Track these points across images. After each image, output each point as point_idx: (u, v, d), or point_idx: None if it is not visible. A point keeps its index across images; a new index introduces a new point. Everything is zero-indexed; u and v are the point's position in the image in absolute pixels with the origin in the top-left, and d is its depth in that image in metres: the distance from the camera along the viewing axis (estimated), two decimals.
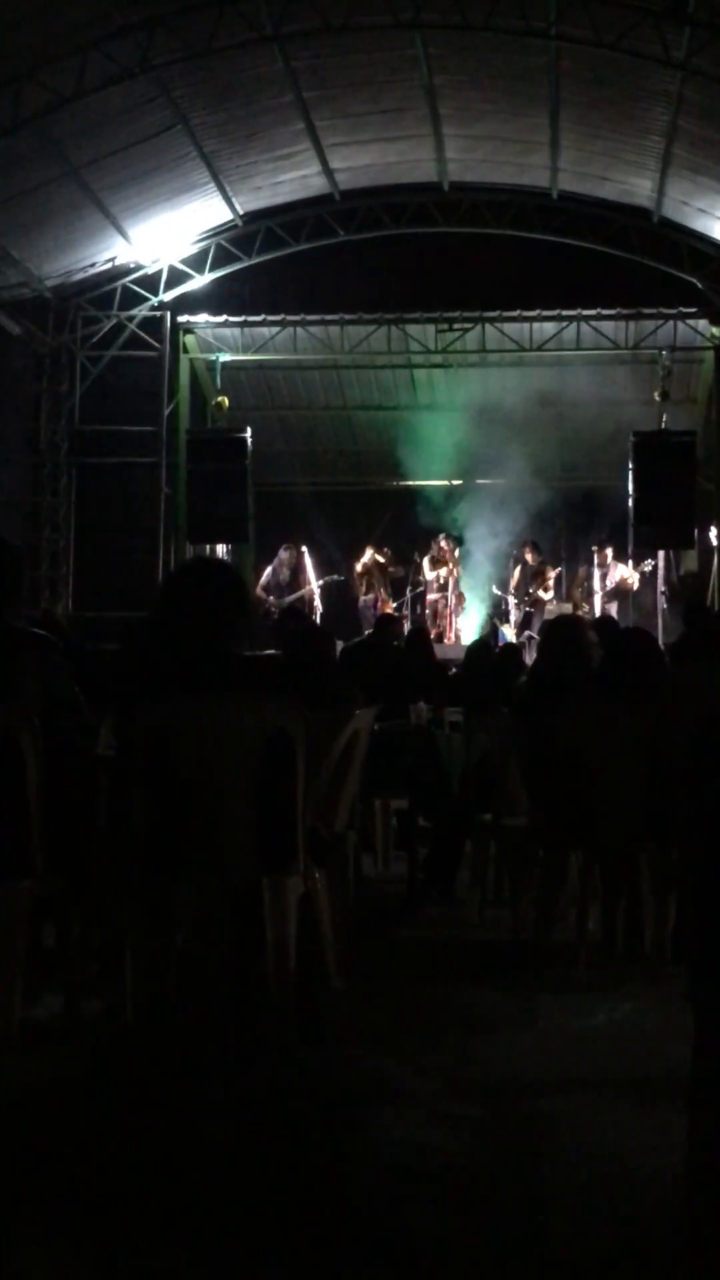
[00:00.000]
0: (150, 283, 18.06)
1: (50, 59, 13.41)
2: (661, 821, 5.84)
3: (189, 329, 18.47)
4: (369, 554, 18.57)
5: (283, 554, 18.04)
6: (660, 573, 17.93)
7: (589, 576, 18.19)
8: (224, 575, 5.17)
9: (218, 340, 18.97)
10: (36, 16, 12.78)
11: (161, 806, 4.62)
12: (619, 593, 17.97)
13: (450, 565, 18.29)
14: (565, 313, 17.86)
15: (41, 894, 4.63)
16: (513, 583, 18.41)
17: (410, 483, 19.75)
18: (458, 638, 17.73)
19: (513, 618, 18.21)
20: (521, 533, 18.72)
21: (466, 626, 18.35)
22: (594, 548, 18.26)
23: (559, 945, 6.25)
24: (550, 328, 18.07)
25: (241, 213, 17.64)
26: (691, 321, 17.81)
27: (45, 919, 4.87)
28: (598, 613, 17.30)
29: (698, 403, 19.04)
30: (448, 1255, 3.31)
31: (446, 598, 18.28)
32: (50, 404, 18.31)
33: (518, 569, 18.45)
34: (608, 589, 17.96)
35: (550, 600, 18.09)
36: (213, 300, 18.14)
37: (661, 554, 17.89)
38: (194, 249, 17.96)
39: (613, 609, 17.57)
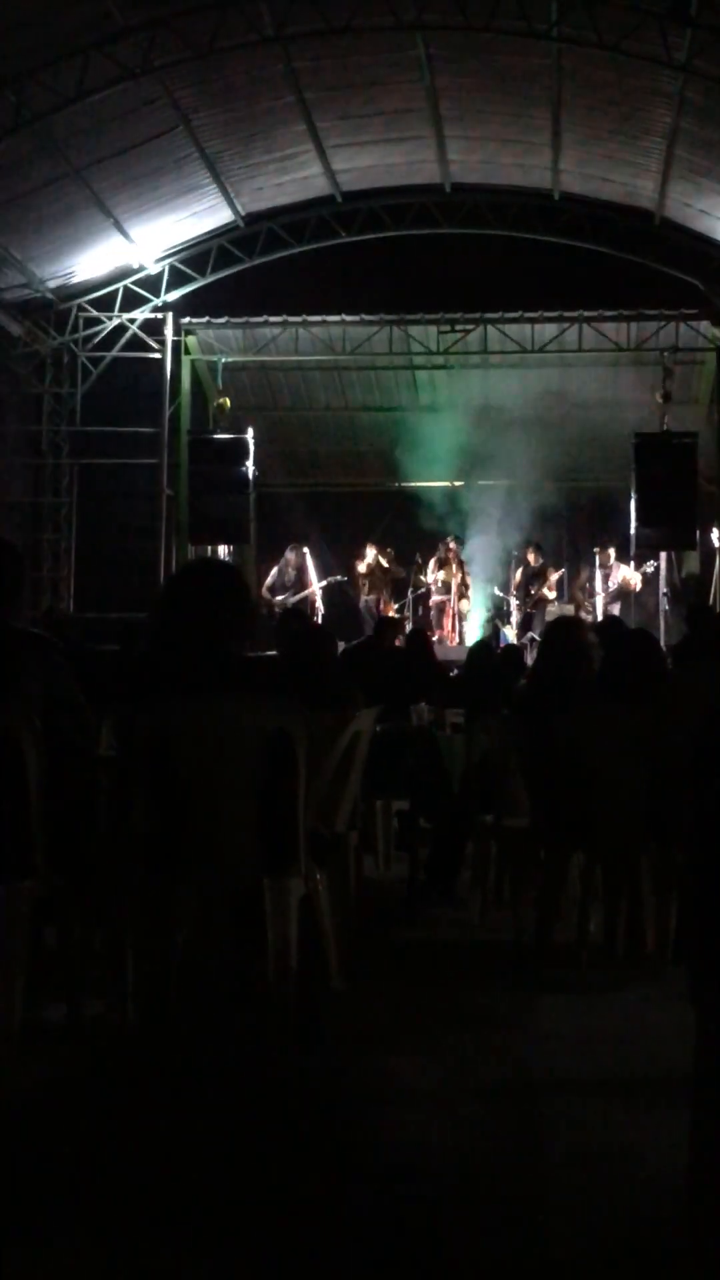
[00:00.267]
0: (152, 284, 18.07)
1: (52, 60, 13.44)
2: (663, 823, 5.84)
3: (190, 330, 18.49)
4: (371, 555, 18.58)
5: (289, 554, 18.09)
6: (662, 574, 17.93)
7: (591, 578, 18.19)
8: (225, 576, 5.16)
9: (219, 341, 19.00)
10: (38, 18, 12.80)
11: (162, 807, 4.62)
12: (621, 594, 17.98)
13: (454, 567, 18.29)
14: (567, 314, 17.89)
15: (43, 894, 4.63)
16: (514, 584, 18.41)
17: (412, 484, 19.72)
18: (461, 639, 17.73)
19: (514, 619, 18.20)
20: (523, 534, 18.72)
21: (469, 628, 18.33)
22: (596, 549, 18.27)
23: (560, 946, 6.24)
24: (552, 329, 18.09)
25: (243, 214, 17.66)
26: (693, 323, 17.82)
27: (46, 919, 4.86)
28: (599, 613, 17.31)
29: (699, 404, 19.03)
30: (448, 1255, 3.31)
31: (450, 599, 18.27)
32: (52, 405, 18.35)
33: (519, 570, 18.46)
34: (610, 590, 17.96)
35: (553, 601, 18.11)
36: (214, 301, 18.13)
37: (663, 555, 17.90)
38: (196, 250, 17.97)
39: (615, 610, 17.56)
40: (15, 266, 16.52)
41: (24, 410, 18.28)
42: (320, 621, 16.92)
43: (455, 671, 11.87)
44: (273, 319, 18.23)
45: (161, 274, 18.02)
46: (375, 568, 18.57)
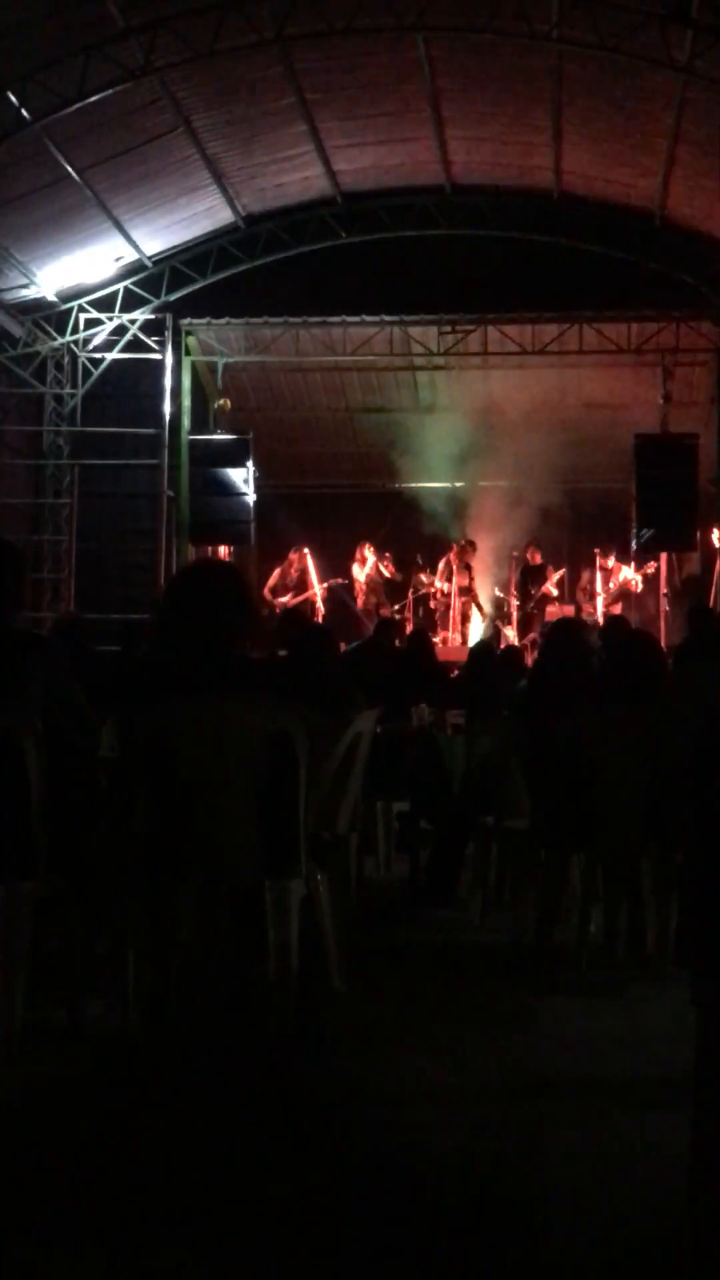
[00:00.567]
0: (152, 284, 18.06)
1: (53, 61, 13.41)
2: (664, 824, 5.84)
3: (191, 331, 18.47)
4: (369, 558, 18.59)
5: (292, 556, 18.15)
6: (663, 575, 17.93)
7: (592, 579, 18.20)
8: (226, 577, 5.17)
9: (220, 342, 18.97)
10: (39, 19, 12.80)
11: (163, 808, 4.63)
12: (622, 595, 18.00)
13: (458, 569, 18.32)
14: (567, 315, 17.83)
15: (44, 895, 4.64)
16: (514, 585, 18.43)
17: (412, 484, 19.72)
18: (463, 640, 17.73)
19: (515, 619, 18.21)
20: (523, 535, 18.73)
21: (472, 630, 18.33)
22: (596, 550, 18.27)
23: (560, 947, 6.25)
24: (552, 330, 18.05)
25: (244, 214, 17.67)
26: (694, 323, 17.77)
27: (47, 920, 4.87)
28: (600, 615, 17.33)
29: (700, 405, 19.02)
30: (448, 1255, 3.31)
31: (453, 601, 18.30)
32: (52, 406, 18.33)
33: (520, 571, 18.48)
34: (610, 591, 17.98)
35: (554, 601, 18.13)
36: (215, 302, 18.12)
37: (664, 556, 17.90)
38: (196, 251, 17.97)
39: (616, 611, 17.58)
40: (16, 267, 16.51)
41: (24, 411, 18.28)
42: (321, 622, 16.94)
43: (455, 672, 11.88)
44: (273, 320, 18.20)
45: (162, 275, 18.01)
46: (373, 571, 18.59)
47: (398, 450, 19.44)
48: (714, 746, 3.34)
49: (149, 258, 17.81)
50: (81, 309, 18.07)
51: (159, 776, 4.62)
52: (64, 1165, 3.77)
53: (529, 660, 12.77)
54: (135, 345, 18.18)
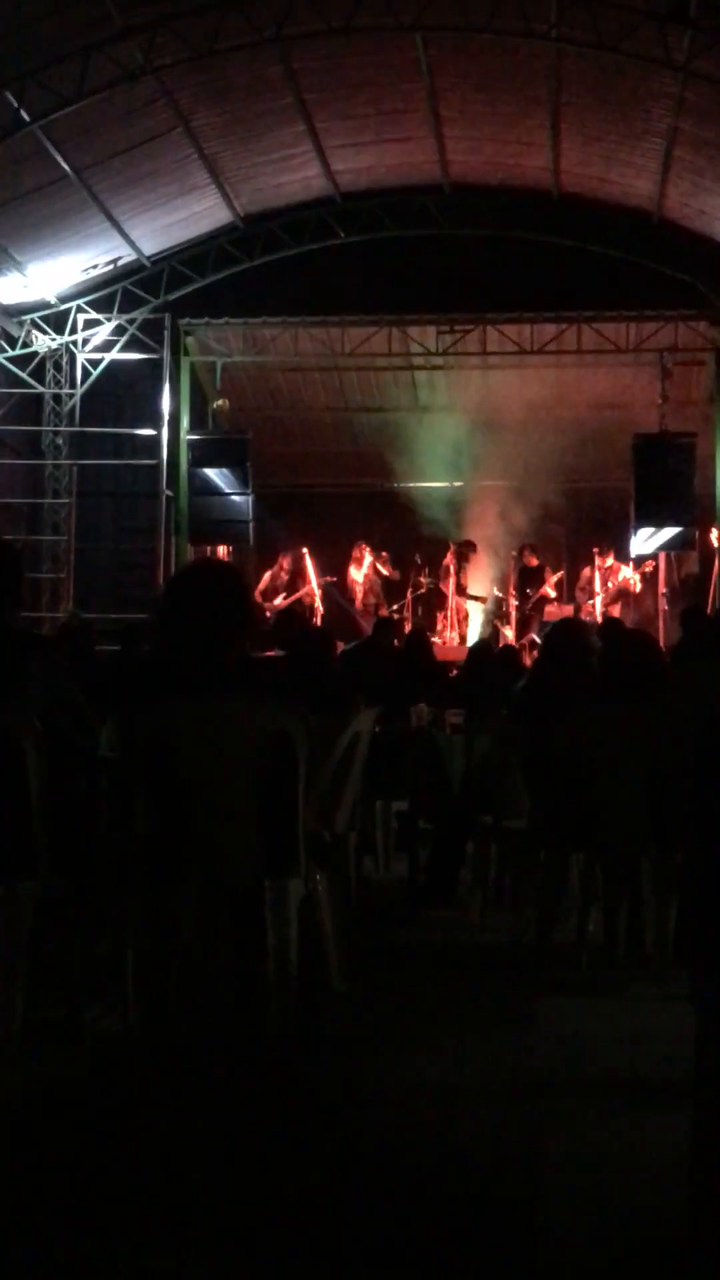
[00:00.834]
0: (151, 284, 18.05)
1: (52, 61, 13.40)
2: (663, 824, 5.84)
3: (189, 331, 18.44)
4: (366, 557, 18.61)
5: (282, 558, 18.17)
6: (661, 574, 17.93)
7: (590, 579, 18.19)
8: (226, 577, 5.16)
9: (218, 342, 18.93)
10: (38, 19, 12.79)
11: (163, 808, 4.63)
12: (620, 595, 17.99)
13: (455, 569, 18.34)
14: (566, 314, 17.79)
15: (44, 896, 4.64)
16: (513, 585, 18.44)
17: (410, 484, 19.70)
18: (461, 640, 17.75)
19: (513, 619, 18.22)
20: (522, 535, 18.73)
21: (470, 630, 18.35)
22: (595, 549, 18.26)
23: (560, 947, 6.25)
24: (551, 329, 18.01)
25: (242, 214, 17.65)
26: (692, 323, 17.76)
27: (47, 921, 4.87)
28: (599, 614, 17.33)
29: (698, 404, 19.01)
30: (448, 1255, 3.31)
31: (450, 601, 18.33)
32: (51, 406, 18.32)
33: (517, 572, 18.49)
34: (609, 591, 17.98)
35: (552, 601, 18.14)
36: (213, 302, 18.10)
37: (662, 555, 17.89)
38: (194, 251, 17.96)
39: (614, 611, 17.59)
40: (14, 267, 16.50)
41: (23, 411, 18.26)
42: (319, 622, 16.96)
43: (454, 672, 11.87)
44: (271, 319, 18.17)
45: (160, 275, 18.00)
46: (370, 570, 18.60)
47: (396, 450, 19.40)
48: (714, 746, 3.34)
49: (147, 258, 17.79)
50: (80, 309, 18.05)
51: (159, 776, 4.62)
52: (64, 1165, 3.77)
53: (526, 660, 12.79)
54: (134, 345, 18.16)
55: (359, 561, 18.62)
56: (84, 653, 8.47)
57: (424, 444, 19.14)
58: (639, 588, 18.01)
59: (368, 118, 16.03)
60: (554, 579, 18.48)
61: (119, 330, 18.13)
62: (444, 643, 17.26)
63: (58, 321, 18.03)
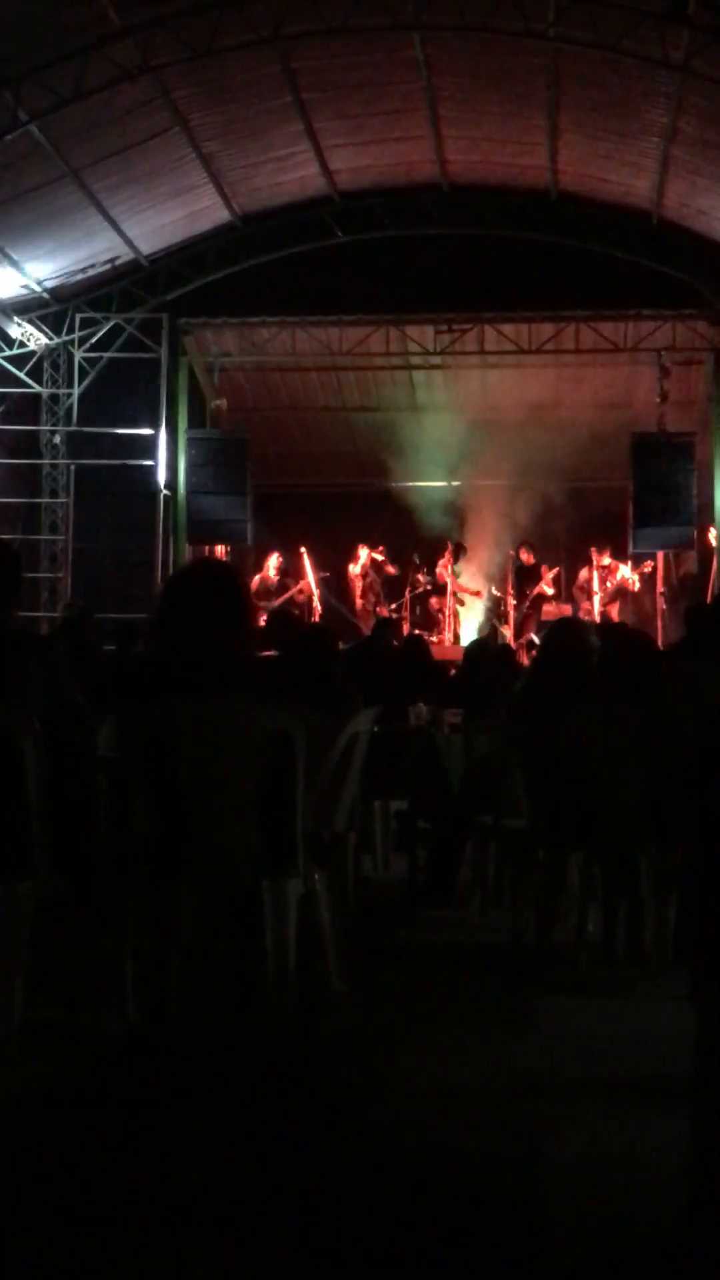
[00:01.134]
0: (149, 284, 18.04)
1: (50, 60, 13.41)
2: (663, 823, 5.84)
3: (187, 330, 18.38)
4: (364, 556, 18.60)
5: (270, 560, 18.20)
6: (659, 574, 17.91)
7: (589, 577, 18.17)
8: (223, 577, 5.16)
9: (216, 341, 18.91)
10: (36, 18, 12.79)
11: (163, 808, 4.62)
12: (619, 594, 17.98)
13: (450, 569, 18.34)
14: (564, 314, 17.79)
15: (43, 896, 4.63)
16: (510, 585, 18.42)
17: (408, 484, 19.66)
18: (456, 639, 17.74)
19: (511, 618, 18.21)
20: (520, 534, 18.70)
21: (464, 629, 18.34)
22: (593, 549, 18.24)
23: (559, 947, 6.25)
24: (549, 329, 18.00)
25: (240, 214, 17.64)
26: (690, 322, 17.75)
27: (46, 920, 4.86)
28: (597, 613, 17.32)
29: (696, 403, 18.99)
30: (448, 1256, 3.31)
31: (448, 601, 18.32)
32: (49, 405, 18.30)
33: (514, 571, 18.47)
34: (608, 590, 17.96)
35: (550, 599, 18.12)
36: (211, 301, 18.08)
37: (661, 555, 17.88)
38: (192, 250, 17.94)
39: (613, 610, 17.58)
40: (12, 266, 16.49)
41: (21, 410, 18.24)
42: (317, 621, 16.94)
43: (453, 671, 11.86)
44: (269, 319, 18.16)
45: (158, 274, 17.99)
46: (369, 568, 18.59)
47: (394, 450, 19.32)
48: (714, 746, 3.34)
49: (145, 257, 17.78)
50: (78, 308, 18.04)
51: (158, 776, 4.61)
52: (64, 1165, 3.76)
53: (524, 660, 12.78)
54: (132, 344, 18.14)
55: (357, 559, 18.62)
56: (86, 646, 8.45)
57: (422, 443, 19.05)
58: (638, 587, 17.99)
59: (366, 117, 16.03)
60: (550, 575, 18.45)
61: (116, 330, 18.11)
62: (440, 641, 17.24)
63: (55, 321, 18.01)
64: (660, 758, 5.86)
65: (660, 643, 12.93)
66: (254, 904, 4.58)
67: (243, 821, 4.63)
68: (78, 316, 18.06)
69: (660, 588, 17.78)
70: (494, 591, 18.77)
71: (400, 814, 8.81)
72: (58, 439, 18.30)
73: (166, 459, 17.96)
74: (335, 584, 18.90)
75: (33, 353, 18.02)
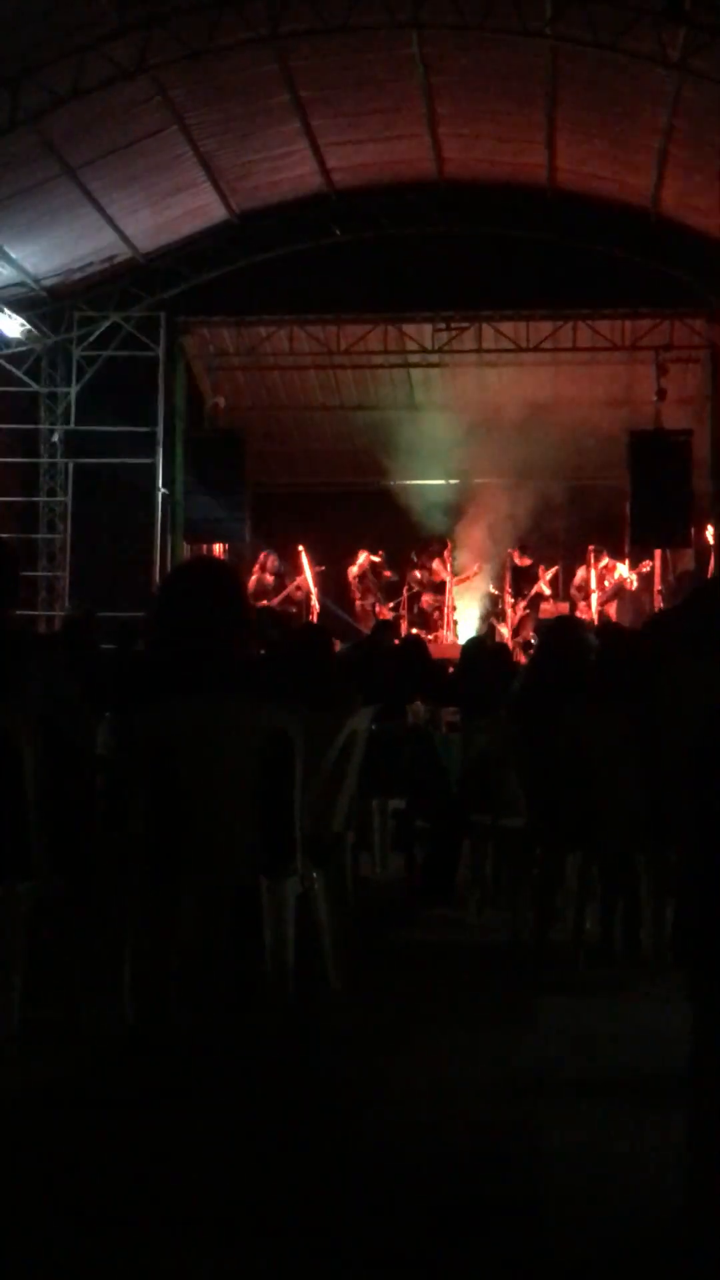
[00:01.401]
0: (147, 282, 17.98)
1: (48, 59, 13.36)
2: (662, 822, 5.82)
3: (185, 328, 18.33)
4: (363, 558, 18.58)
5: (264, 558, 18.18)
6: (657, 572, 17.87)
7: (587, 576, 18.14)
8: (222, 575, 5.14)
9: (214, 340, 18.88)
10: (34, 17, 12.73)
11: (161, 808, 4.61)
12: (617, 592, 17.95)
13: (447, 568, 18.34)
14: (561, 311, 17.72)
15: (41, 895, 4.62)
16: (508, 584, 18.40)
17: (406, 482, 19.64)
18: (455, 635, 17.73)
19: (509, 617, 18.19)
20: (518, 532, 18.67)
21: (461, 628, 18.33)
22: (591, 547, 18.22)
23: (558, 946, 6.24)
24: (546, 327, 17.93)
25: (237, 212, 17.57)
26: (687, 320, 17.69)
27: (45, 920, 4.84)
28: (595, 612, 17.29)
29: (694, 401, 18.95)
30: (447, 1256, 3.30)
31: (447, 599, 18.31)
32: (47, 403, 18.26)
33: (509, 569, 18.45)
34: (605, 589, 17.93)
35: (548, 598, 18.09)
36: (209, 300, 18.02)
37: (658, 553, 17.83)
38: (190, 249, 17.89)
39: (611, 609, 17.56)
40: (10, 264, 16.44)
41: (19, 409, 18.20)
42: (315, 619, 16.93)
43: (450, 669, 11.85)
44: (267, 317, 18.13)
45: (156, 272, 17.93)
46: (367, 570, 18.57)
47: (392, 448, 19.27)
48: (714, 746, 3.33)
49: (143, 255, 17.71)
50: (76, 307, 17.97)
51: (157, 776, 4.60)
52: (64, 1165, 3.75)
53: (520, 659, 12.76)
54: (129, 343, 18.09)
55: (355, 562, 18.60)
56: (87, 646, 8.43)
57: (420, 442, 19.00)
58: (635, 586, 17.97)
59: (363, 115, 15.95)
60: (547, 576, 18.43)
61: (114, 328, 18.04)
62: (439, 641, 17.22)
63: (53, 319, 17.94)
64: (658, 757, 5.84)
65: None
66: (253, 904, 4.57)
67: (242, 821, 4.62)
68: (75, 315, 17.99)
69: (658, 586, 17.75)
70: (492, 589, 18.74)
71: (398, 813, 8.80)
72: (56, 437, 18.25)
73: (164, 457, 17.90)
74: (333, 583, 18.84)
75: (31, 351, 17.96)
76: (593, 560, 18.13)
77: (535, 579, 18.32)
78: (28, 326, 17.57)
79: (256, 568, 18.32)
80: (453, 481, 19.56)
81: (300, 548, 18.49)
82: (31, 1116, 4.18)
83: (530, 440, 18.06)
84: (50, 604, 17.66)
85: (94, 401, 18.10)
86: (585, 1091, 4.46)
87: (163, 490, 17.92)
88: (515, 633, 17.81)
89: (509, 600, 18.33)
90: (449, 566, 18.46)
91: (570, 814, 6.15)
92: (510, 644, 16.21)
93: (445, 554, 18.51)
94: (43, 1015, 4.76)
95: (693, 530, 17.35)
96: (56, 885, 4.66)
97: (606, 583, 18.05)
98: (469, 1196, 3.60)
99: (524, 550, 18.52)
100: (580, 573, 18.42)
